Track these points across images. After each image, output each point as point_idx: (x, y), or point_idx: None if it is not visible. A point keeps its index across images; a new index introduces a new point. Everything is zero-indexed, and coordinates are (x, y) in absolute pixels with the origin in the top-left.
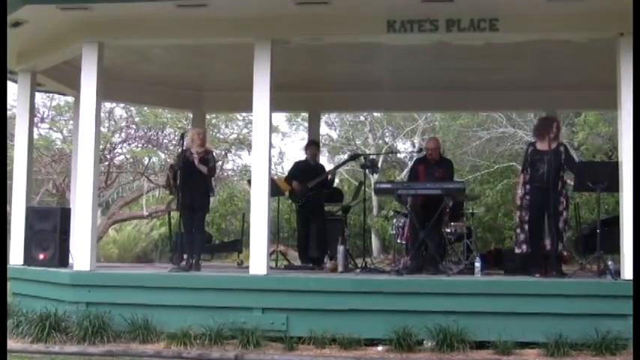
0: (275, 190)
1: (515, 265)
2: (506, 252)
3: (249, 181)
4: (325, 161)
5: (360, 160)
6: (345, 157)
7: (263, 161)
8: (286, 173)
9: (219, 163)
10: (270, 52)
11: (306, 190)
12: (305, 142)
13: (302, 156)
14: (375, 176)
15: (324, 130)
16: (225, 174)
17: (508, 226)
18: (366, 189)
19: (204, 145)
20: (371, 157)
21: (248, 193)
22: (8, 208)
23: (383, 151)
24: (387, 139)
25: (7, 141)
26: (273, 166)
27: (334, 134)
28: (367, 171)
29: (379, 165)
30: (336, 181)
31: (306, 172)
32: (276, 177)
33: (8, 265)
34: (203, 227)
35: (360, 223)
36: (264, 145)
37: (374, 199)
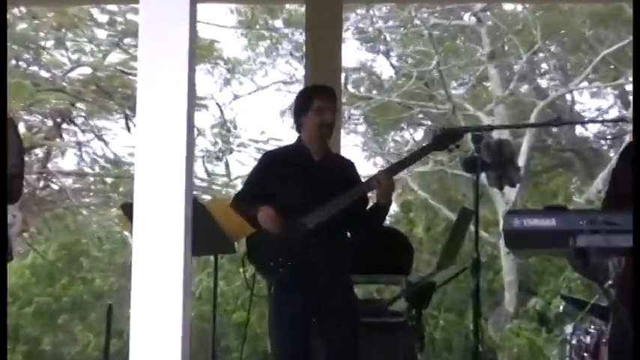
0: (211, 235)
1: None
2: None
3: (125, 209)
4: (359, 156)
5: (466, 152)
6: (424, 144)
7: (171, 153)
8: (239, 186)
9: (38, 156)
10: None
11: (300, 230)
12: (289, 94)
13: (285, 134)
14: (510, 194)
15: (352, 56)
16: (57, 188)
17: None
18: (480, 231)
19: None
20: (499, 139)
21: (122, 244)
22: None
23: (531, 119)
24: (544, 82)
25: None
26: (199, 167)
27: (386, 68)
28: (488, 180)
29: (520, 164)
30: (393, 207)
31: (302, 180)
32: (209, 200)
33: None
34: None
35: (464, 332)
36: (178, 102)
37: (504, 260)
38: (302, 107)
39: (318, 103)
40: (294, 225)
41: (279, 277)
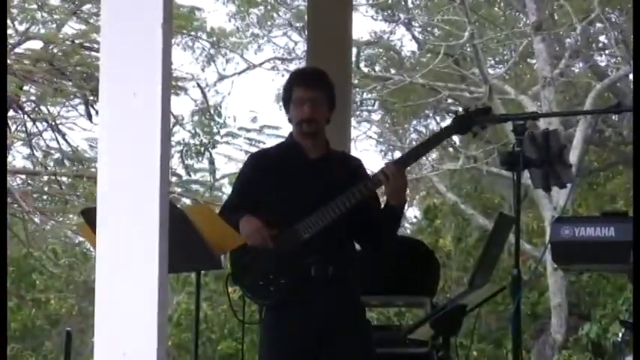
0: (192, 247)
1: None
2: None
3: (86, 215)
4: (373, 150)
5: (505, 145)
6: (447, 123)
7: (142, 146)
8: (226, 186)
9: None
10: None
11: (293, 241)
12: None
13: (282, 122)
14: (559, 197)
15: (365, 26)
16: None
17: None
18: (522, 242)
19: None
20: (546, 130)
21: (83, 259)
22: None
23: (586, 105)
24: (603, 59)
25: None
26: (177, 163)
27: (407, 42)
28: (533, 181)
29: (572, 160)
30: (415, 213)
31: (294, 182)
32: (189, 204)
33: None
34: None
35: None
36: (150, 84)
37: (550, 278)
38: (285, 98)
39: (296, 93)
40: (286, 234)
41: (271, 299)
